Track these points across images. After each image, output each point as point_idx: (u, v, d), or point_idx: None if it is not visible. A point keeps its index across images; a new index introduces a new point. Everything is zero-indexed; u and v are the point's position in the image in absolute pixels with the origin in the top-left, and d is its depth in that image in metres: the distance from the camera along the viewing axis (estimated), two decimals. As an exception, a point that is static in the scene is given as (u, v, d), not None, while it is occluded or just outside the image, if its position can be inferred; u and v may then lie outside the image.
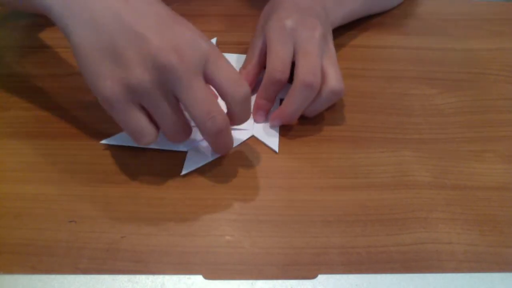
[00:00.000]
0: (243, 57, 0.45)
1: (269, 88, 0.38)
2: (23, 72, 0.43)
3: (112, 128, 0.38)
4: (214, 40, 0.47)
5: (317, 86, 0.36)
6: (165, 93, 0.31)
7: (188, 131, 0.34)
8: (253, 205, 0.34)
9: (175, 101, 0.31)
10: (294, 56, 0.37)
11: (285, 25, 0.37)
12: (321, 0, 0.41)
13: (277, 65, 0.36)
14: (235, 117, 0.33)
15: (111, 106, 0.31)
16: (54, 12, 0.31)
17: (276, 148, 0.38)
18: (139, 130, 0.32)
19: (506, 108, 0.43)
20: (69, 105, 0.40)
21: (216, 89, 0.32)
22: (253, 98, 0.40)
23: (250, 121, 0.39)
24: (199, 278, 0.30)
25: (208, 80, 0.31)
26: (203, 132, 0.32)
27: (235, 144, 0.38)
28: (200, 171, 0.36)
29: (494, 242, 0.33)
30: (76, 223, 0.33)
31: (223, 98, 0.32)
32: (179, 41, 0.30)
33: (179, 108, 0.32)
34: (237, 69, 0.42)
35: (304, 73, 0.36)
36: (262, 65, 0.41)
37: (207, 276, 0.30)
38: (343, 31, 0.47)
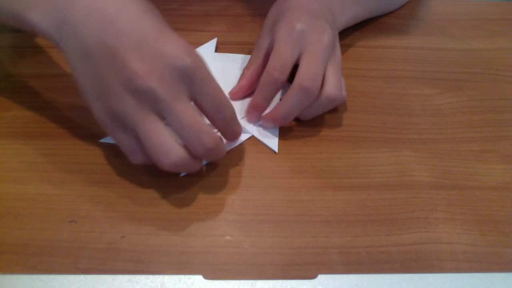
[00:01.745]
0: (242, 56, 0.45)
1: (265, 87, 0.37)
2: (23, 72, 0.43)
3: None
4: (214, 41, 0.47)
5: (315, 91, 0.35)
6: (146, 116, 0.30)
7: (175, 151, 0.30)
8: (253, 205, 0.34)
9: (160, 122, 0.30)
10: (299, 58, 0.37)
11: (295, 27, 0.36)
12: (328, 4, 0.41)
13: (277, 64, 0.36)
14: (225, 135, 0.34)
15: (104, 127, 0.32)
16: (51, 34, 0.31)
17: (276, 148, 0.38)
18: (130, 150, 0.32)
19: (506, 108, 0.43)
20: (69, 105, 0.40)
21: (201, 111, 0.32)
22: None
23: (249, 124, 0.39)
24: (199, 278, 0.30)
25: (192, 99, 0.31)
26: (194, 152, 0.31)
27: (234, 144, 0.38)
28: (200, 171, 0.36)
29: (494, 242, 0.33)
30: (76, 223, 0.33)
31: (208, 120, 0.33)
32: (161, 62, 0.29)
33: (163, 129, 0.30)
34: (240, 70, 0.43)
35: (303, 76, 0.35)
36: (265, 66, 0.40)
37: (207, 276, 0.30)
38: (343, 31, 0.47)
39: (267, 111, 0.39)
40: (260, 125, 0.39)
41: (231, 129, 0.34)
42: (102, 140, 0.37)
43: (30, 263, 0.30)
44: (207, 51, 0.46)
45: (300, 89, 0.35)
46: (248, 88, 0.40)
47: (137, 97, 0.30)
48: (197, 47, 0.46)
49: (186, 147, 0.31)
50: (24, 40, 0.47)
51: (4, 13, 0.33)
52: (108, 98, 0.30)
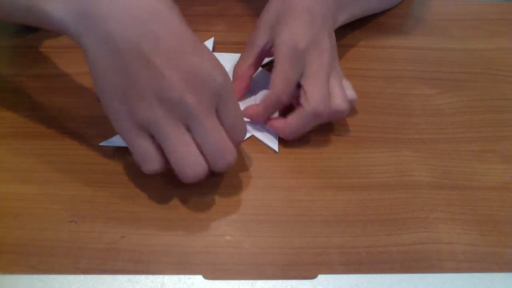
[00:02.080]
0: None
1: (271, 107, 0.37)
2: (23, 72, 0.43)
3: (113, 128, 0.38)
4: (211, 40, 0.47)
5: (327, 115, 0.36)
6: (176, 126, 0.30)
7: (200, 166, 0.31)
8: (253, 205, 0.34)
9: (187, 134, 0.30)
10: (302, 76, 0.36)
11: (297, 46, 0.35)
12: (329, 6, 0.39)
13: (285, 88, 0.36)
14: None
15: (121, 131, 0.31)
16: (69, 26, 0.29)
17: (276, 148, 0.38)
18: (147, 158, 0.31)
19: (506, 108, 0.43)
20: (69, 105, 0.40)
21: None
22: (248, 101, 0.41)
23: (249, 123, 0.39)
24: (199, 278, 0.30)
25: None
26: (212, 167, 0.32)
27: None
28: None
29: (494, 242, 0.33)
30: (76, 223, 0.33)
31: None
32: (195, 76, 0.29)
33: (191, 142, 0.31)
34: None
35: (316, 101, 0.35)
36: (258, 66, 0.40)
37: (207, 276, 0.30)
38: (343, 31, 0.47)
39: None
40: (261, 125, 0.39)
41: (238, 142, 0.34)
42: (102, 144, 0.37)
43: (30, 263, 0.30)
44: None
45: (313, 114, 0.35)
46: (244, 89, 0.40)
47: (169, 108, 0.29)
48: None
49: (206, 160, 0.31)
50: (24, 40, 0.47)
51: (16, 6, 0.31)
52: (137, 104, 0.29)
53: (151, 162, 0.31)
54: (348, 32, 0.49)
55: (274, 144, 0.38)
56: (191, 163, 0.30)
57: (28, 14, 0.31)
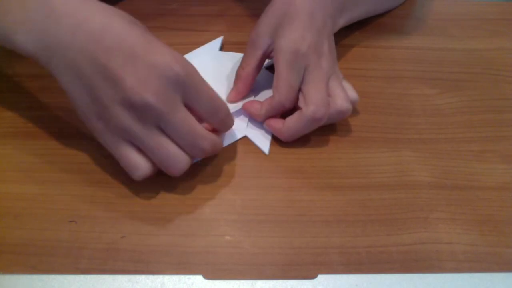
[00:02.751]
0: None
1: (274, 111, 0.37)
2: (23, 72, 0.43)
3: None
4: (220, 39, 0.47)
5: (326, 118, 0.36)
6: (148, 129, 0.31)
7: (183, 160, 0.32)
8: (253, 205, 0.34)
9: (160, 134, 0.31)
10: (301, 81, 0.37)
11: (298, 50, 0.36)
12: (329, 10, 0.40)
13: (288, 94, 0.36)
14: (220, 130, 0.35)
15: (107, 146, 0.32)
16: (38, 57, 0.31)
17: (266, 151, 0.38)
18: (132, 164, 0.32)
19: (506, 108, 0.43)
20: (69, 105, 0.40)
21: (196, 114, 0.32)
22: (248, 100, 0.40)
23: (243, 123, 0.39)
24: (199, 278, 0.30)
25: (186, 105, 0.32)
26: (194, 156, 0.33)
27: (228, 141, 0.38)
28: (200, 171, 0.36)
29: (494, 242, 0.33)
30: (76, 223, 0.33)
31: (203, 120, 0.33)
32: (153, 75, 0.30)
33: (166, 140, 0.32)
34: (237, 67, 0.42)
35: (316, 104, 0.35)
36: (260, 67, 0.40)
37: (207, 276, 0.30)
38: (343, 31, 0.47)
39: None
40: (254, 126, 0.39)
41: (225, 125, 0.35)
42: None
43: (30, 263, 0.30)
44: (211, 49, 0.46)
45: (313, 119, 0.35)
46: (246, 90, 0.40)
47: (137, 113, 0.30)
48: (197, 47, 0.46)
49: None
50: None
51: None
52: (108, 117, 0.31)
53: (138, 169, 0.32)
54: (348, 32, 0.49)
55: (265, 147, 0.38)
56: (171, 161, 0.32)
57: (5, 42, 0.32)
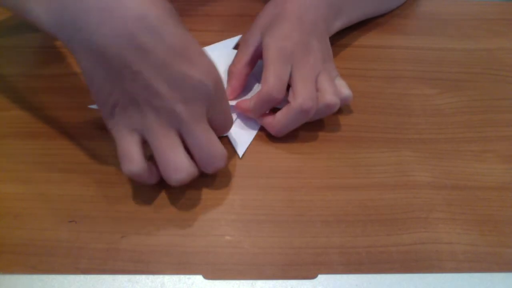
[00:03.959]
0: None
1: (263, 105, 0.37)
2: (23, 72, 0.43)
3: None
4: (236, 38, 0.47)
5: (313, 111, 0.36)
6: (166, 130, 0.30)
7: (186, 170, 0.31)
8: (253, 205, 0.34)
9: (177, 138, 0.31)
10: (290, 77, 0.37)
11: (285, 46, 0.37)
12: (322, 13, 0.40)
13: (276, 84, 0.36)
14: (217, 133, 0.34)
15: (110, 128, 0.32)
16: (55, 32, 0.29)
17: (240, 153, 0.37)
18: (128, 155, 0.31)
19: (506, 108, 0.43)
20: (69, 105, 0.40)
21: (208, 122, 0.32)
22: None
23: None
24: (199, 278, 0.30)
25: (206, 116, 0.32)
26: (203, 169, 0.33)
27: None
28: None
29: (494, 242, 0.33)
30: (76, 223, 0.33)
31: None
32: (185, 85, 0.30)
33: (179, 145, 0.31)
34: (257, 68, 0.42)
35: (303, 97, 0.36)
36: (253, 66, 0.41)
37: (207, 276, 0.30)
38: (343, 31, 0.47)
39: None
40: (238, 126, 0.39)
41: (224, 133, 0.37)
42: (91, 106, 0.39)
43: (30, 263, 0.30)
44: (225, 47, 0.46)
45: (300, 110, 0.36)
46: (240, 88, 0.40)
47: (160, 115, 0.30)
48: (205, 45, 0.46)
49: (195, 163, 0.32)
50: (24, 40, 0.47)
51: (17, 6, 0.30)
52: (129, 110, 0.30)
53: (132, 163, 0.31)
54: (348, 32, 0.49)
55: (240, 149, 0.38)
56: (176, 167, 0.31)
57: (18, 11, 0.30)
